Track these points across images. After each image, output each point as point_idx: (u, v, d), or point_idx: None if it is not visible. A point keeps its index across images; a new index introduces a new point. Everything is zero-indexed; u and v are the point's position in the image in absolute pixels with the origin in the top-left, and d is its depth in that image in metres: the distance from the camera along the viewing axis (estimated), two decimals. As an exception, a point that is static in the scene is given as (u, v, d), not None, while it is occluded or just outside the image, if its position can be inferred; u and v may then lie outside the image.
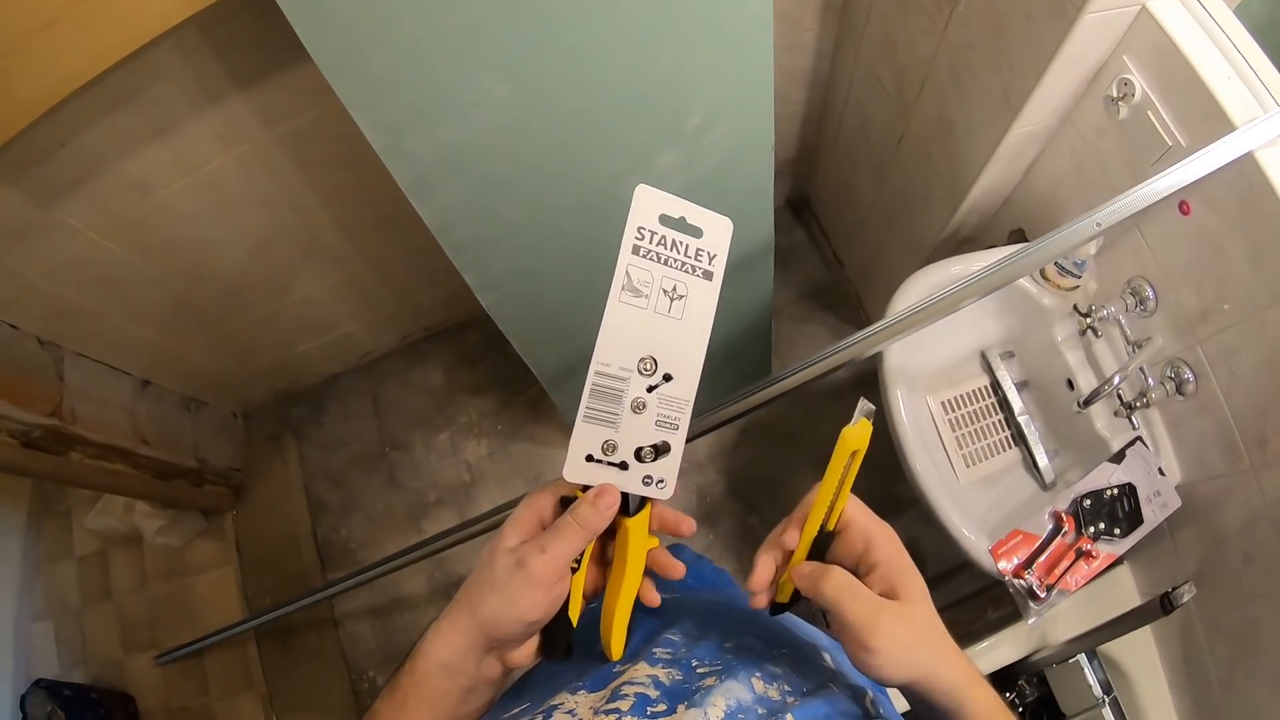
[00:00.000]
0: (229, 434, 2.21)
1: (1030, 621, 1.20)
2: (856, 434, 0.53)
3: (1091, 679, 1.26)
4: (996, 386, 1.42)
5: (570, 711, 0.49)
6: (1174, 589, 0.96)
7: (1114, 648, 1.32)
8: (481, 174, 1.03)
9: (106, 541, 2.15)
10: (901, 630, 0.50)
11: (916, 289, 1.27)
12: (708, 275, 0.58)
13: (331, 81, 0.86)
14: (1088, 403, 1.20)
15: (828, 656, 0.64)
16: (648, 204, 0.55)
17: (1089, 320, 1.24)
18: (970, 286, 0.98)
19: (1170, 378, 1.16)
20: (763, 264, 1.42)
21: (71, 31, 0.92)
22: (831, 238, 2.32)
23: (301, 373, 2.25)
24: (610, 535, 0.58)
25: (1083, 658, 1.26)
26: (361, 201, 1.61)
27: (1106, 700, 1.25)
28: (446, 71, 0.89)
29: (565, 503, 0.56)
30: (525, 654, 0.55)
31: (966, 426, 1.42)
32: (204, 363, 1.97)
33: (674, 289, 0.56)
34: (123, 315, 1.68)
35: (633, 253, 0.55)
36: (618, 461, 0.56)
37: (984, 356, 1.44)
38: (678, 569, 0.59)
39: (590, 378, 0.55)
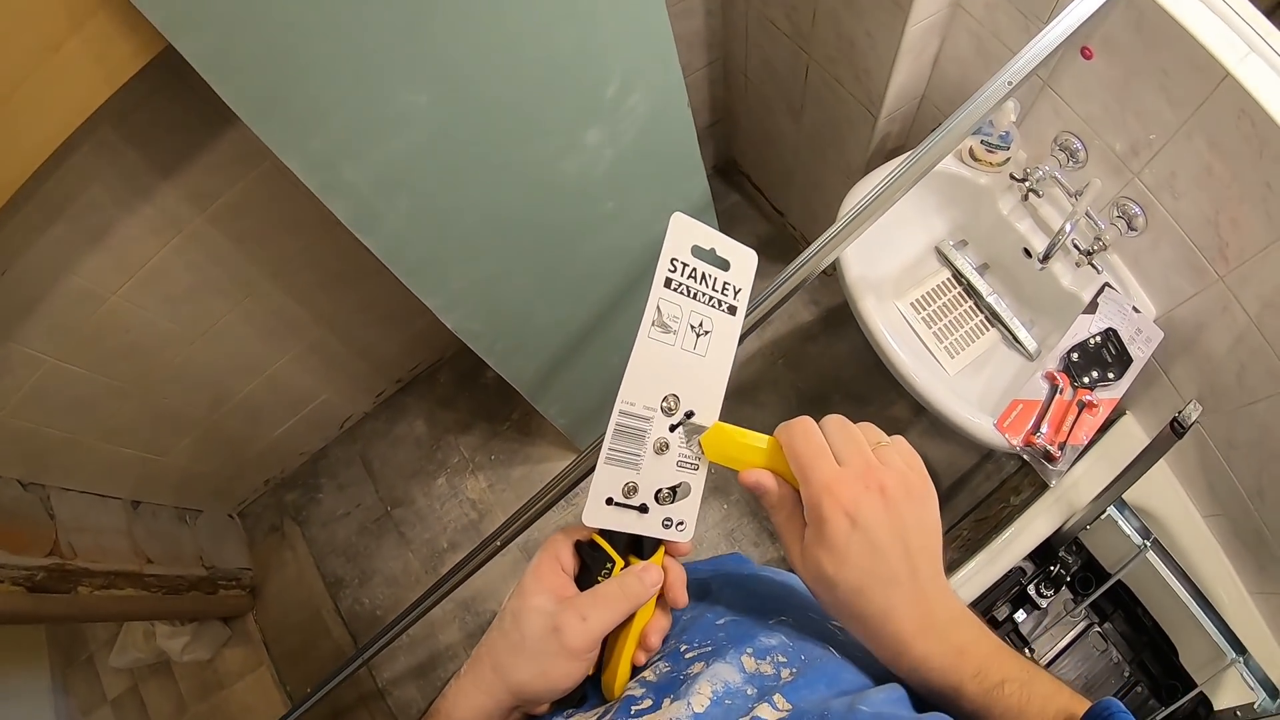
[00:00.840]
0: (231, 535, 2.19)
1: (1053, 483, 1.22)
2: (710, 441, 0.55)
3: (1127, 528, 1.28)
4: (959, 276, 1.46)
5: None
6: (1180, 411, 0.96)
7: (1143, 497, 1.34)
8: (421, 189, 1.05)
9: (135, 676, 2.11)
10: (812, 562, 0.49)
11: (856, 198, 1.30)
12: (732, 310, 0.57)
13: (257, 130, 0.87)
14: (1046, 257, 1.23)
15: None
16: (681, 233, 0.54)
17: (1027, 184, 1.28)
18: (904, 176, 0.99)
19: (1119, 216, 1.20)
20: (706, 222, 1.45)
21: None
22: (766, 191, 2.36)
23: (287, 455, 2.24)
24: None
25: (1113, 510, 1.28)
26: (305, 264, 1.62)
27: (1148, 544, 1.27)
28: (364, 94, 0.90)
29: (579, 547, 0.55)
30: (547, 707, 0.53)
31: (941, 320, 1.45)
32: (190, 469, 1.95)
33: (700, 324, 0.55)
34: (99, 438, 1.66)
35: (665, 286, 0.53)
36: (638, 504, 0.54)
37: (939, 251, 1.48)
38: (682, 598, 0.56)
39: (614, 418, 0.52)
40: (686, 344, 0.54)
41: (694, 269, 0.54)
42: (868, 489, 0.48)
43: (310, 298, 1.73)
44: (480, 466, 2.22)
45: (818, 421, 0.52)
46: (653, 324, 0.53)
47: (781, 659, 0.51)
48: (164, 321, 1.52)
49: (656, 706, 0.46)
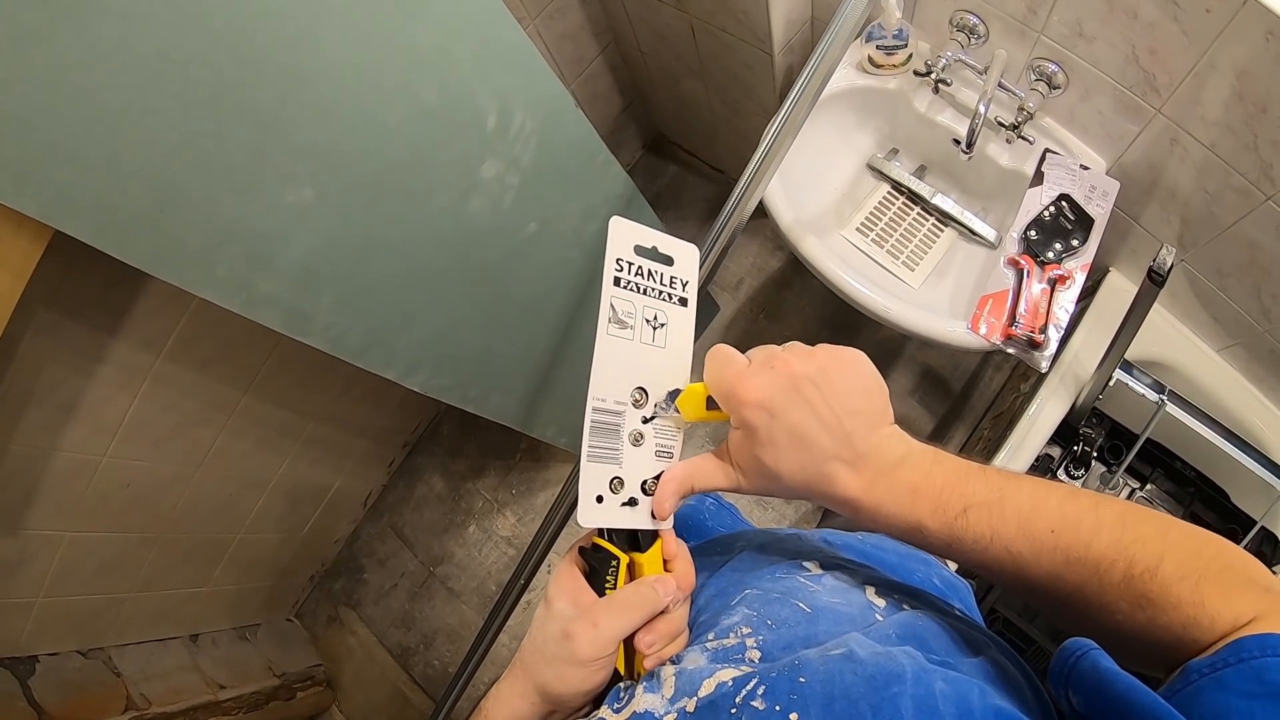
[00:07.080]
0: (293, 638, 2.24)
1: (1044, 368, 1.20)
2: (690, 405, 0.56)
3: (1140, 387, 1.26)
4: (899, 186, 1.44)
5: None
6: (1154, 259, 0.94)
7: (1151, 350, 1.32)
8: (338, 277, 1.07)
9: (246, 796, 2.17)
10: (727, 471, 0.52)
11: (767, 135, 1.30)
12: (683, 302, 0.59)
13: (162, 276, 0.89)
14: (969, 144, 1.20)
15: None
16: (622, 235, 0.56)
17: (933, 75, 1.27)
18: (799, 100, 0.96)
19: (1037, 79, 1.18)
20: (636, 206, 1.46)
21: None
22: (699, 153, 2.38)
23: (322, 548, 2.29)
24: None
25: (1121, 373, 1.25)
26: (273, 370, 1.66)
27: (1164, 398, 1.24)
28: (250, 210, 0.92)
29: (583, 553, 0.56)
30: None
31: (892, 235, 1.43)
32: (234, 590, 2.00)
33: (654, 317, 0.57)
34: (139, 589, 1.71)
35: (615, 285, 0.56)
36: (626, 499, 0.55)
37: (872, 167, 1.46)
38: (691, 582, 0.56)
39: (588, 415, 0.54)
40: (645, 337, 0.57)
41: (640, 266, 0.57)
42: (776, 376, 0.50)
43: (290, 398, 1.77)
44: (504, 504, 2.26)
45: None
46: (609, 320, 0.55)
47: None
48: (159, 466, 1.56)
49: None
